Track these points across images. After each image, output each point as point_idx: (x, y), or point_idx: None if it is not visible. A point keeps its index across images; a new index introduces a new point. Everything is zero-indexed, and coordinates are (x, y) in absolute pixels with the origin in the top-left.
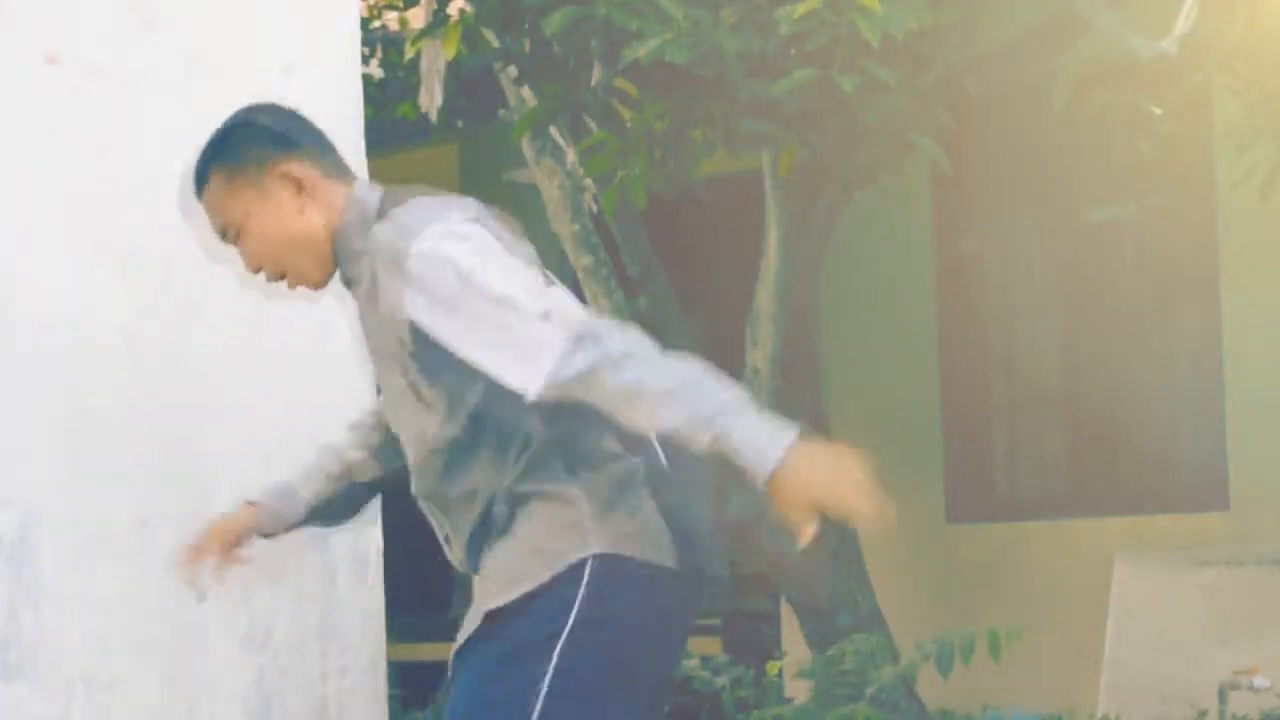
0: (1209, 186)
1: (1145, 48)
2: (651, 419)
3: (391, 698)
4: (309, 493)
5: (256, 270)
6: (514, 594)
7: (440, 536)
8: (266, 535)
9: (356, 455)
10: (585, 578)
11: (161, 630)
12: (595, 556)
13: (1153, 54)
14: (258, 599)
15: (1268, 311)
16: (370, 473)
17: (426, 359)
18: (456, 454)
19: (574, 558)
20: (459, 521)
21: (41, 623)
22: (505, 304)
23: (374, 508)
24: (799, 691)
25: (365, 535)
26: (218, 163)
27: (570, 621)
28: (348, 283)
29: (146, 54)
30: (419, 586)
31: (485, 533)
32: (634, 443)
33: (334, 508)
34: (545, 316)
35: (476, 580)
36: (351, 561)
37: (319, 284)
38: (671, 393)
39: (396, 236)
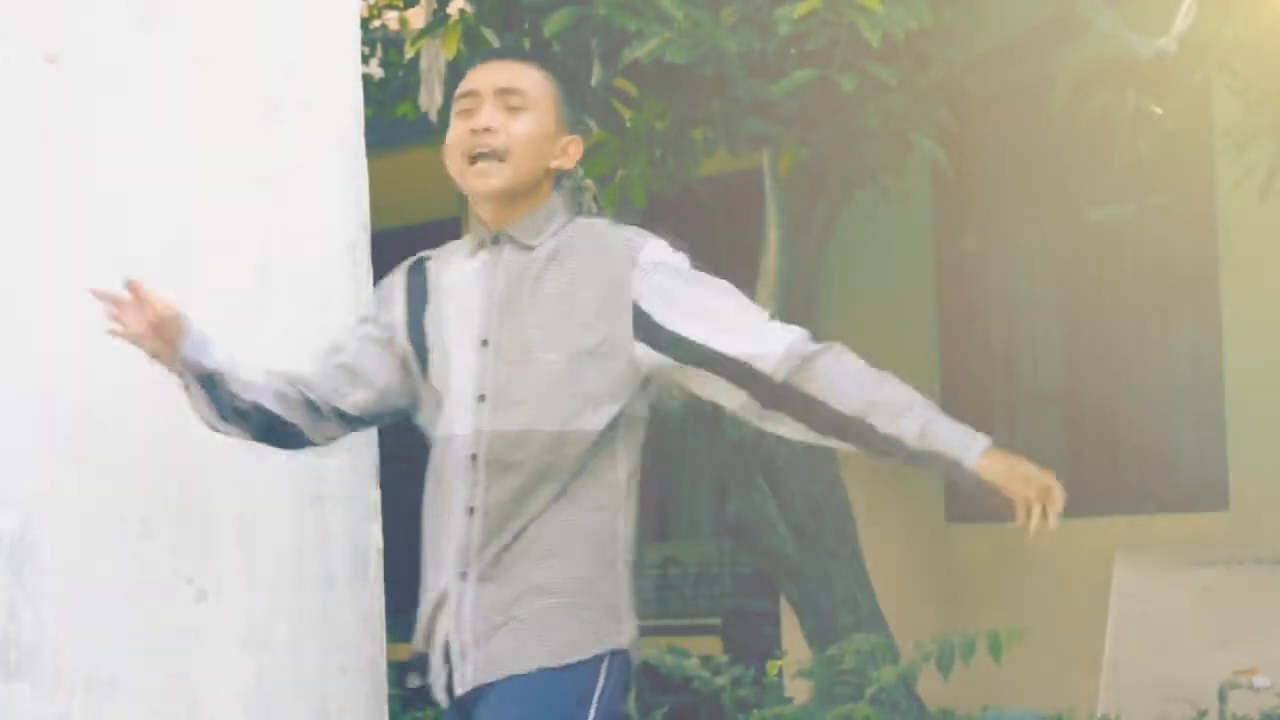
0: (1209, 186)
1: (1145, 47)
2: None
3: (391, 697)
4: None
5: (486, 129)
6: (565, 660)
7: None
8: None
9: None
10: (605, 671)
11: (161, 630)
12: (618, 652)
13: (1152, 53)
14: (257, 598)
15: (1268, 311)
16: (276, 405)
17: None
18: (598, 449)
19: (612, 644)
20: (529, 527)
21: (41, 622)
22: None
23: (374, 505)
24: (799, 691)
25: (365, 534)
26: (552, 73)
27: (591, 715)
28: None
29: (146, 54)
30: (419, 586)
31: (526, 549)
32: None
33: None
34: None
35: (492, 600)
36: (351, 560)
37: (500, 195)
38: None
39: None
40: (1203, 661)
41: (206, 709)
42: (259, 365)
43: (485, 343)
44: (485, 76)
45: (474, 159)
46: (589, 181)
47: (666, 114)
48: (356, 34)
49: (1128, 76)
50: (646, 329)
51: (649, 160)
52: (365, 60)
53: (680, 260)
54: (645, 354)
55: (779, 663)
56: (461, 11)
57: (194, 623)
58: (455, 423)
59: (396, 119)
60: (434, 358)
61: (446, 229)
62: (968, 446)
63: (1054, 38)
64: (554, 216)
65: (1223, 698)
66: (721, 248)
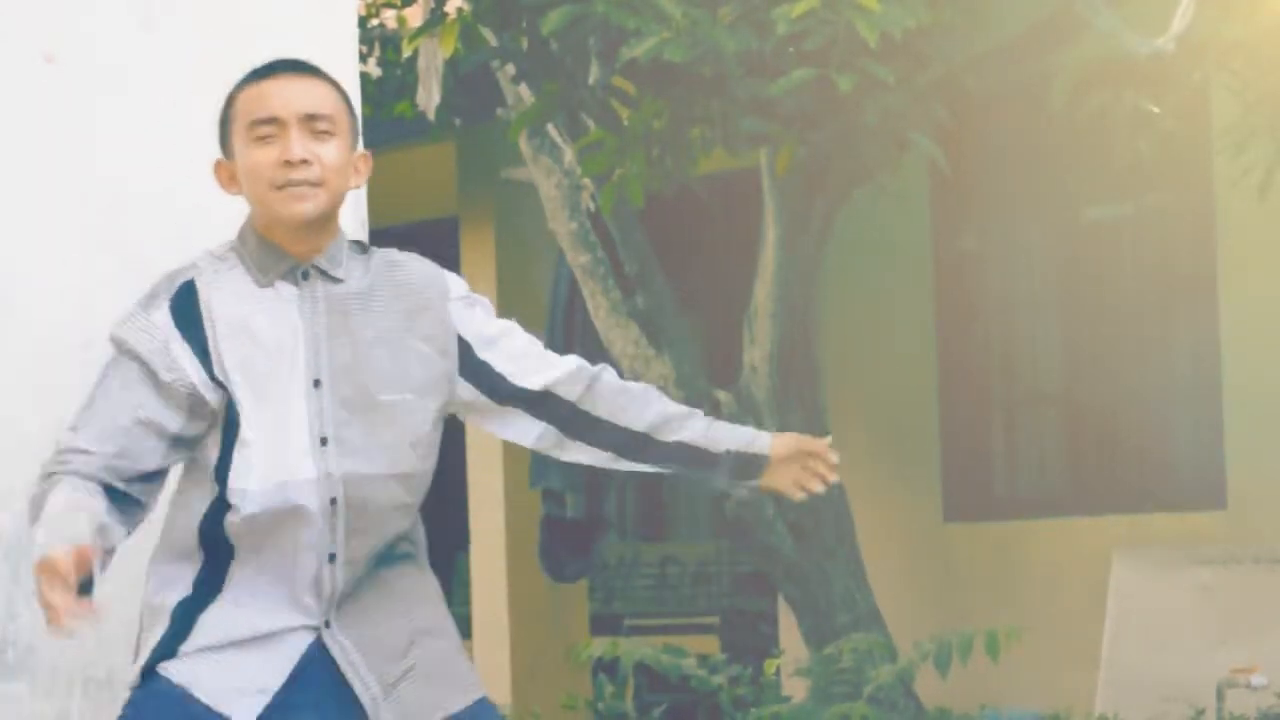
0: (1207, 185)
1: (1143, 46)
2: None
3: None
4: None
5: (302, 160)
6: (477, 695)
7: (329, 581)
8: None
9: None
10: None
11: None
12: None
13: (1151, 53)
14: None
15: (1266, 310)
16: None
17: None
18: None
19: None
20: (383, 572)
21: (40, 622)
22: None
23: None
24: (797, 690)
25: None
26: (339, 91)
27: None
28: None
29: (146, 53)
30: None
31: (391, 595)
32: None
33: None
34: None
35: (379, 650)
36: None
37: (314, 223)
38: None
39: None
40: (1200, 660)
41: None
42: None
43: (317, 383)
44: (287, 101)
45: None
46: (587, 180)
47: (664, 113)
48: (354, 32)
49: (1126, 76)
50: (469, 364)
51: (647, 159)
52: (363, 59)
53: (478, 294)
54: (464, 389)
55: (776, 662)
56: (459, 10)
57: None
58: (290, 468)
59: (394, 118)
60: (243, 398)
61: (445, 227)
62: (756, 436)
63: (1052, 37)
64: (343, 246)
65: (1220, 696)
66: (719, 247)
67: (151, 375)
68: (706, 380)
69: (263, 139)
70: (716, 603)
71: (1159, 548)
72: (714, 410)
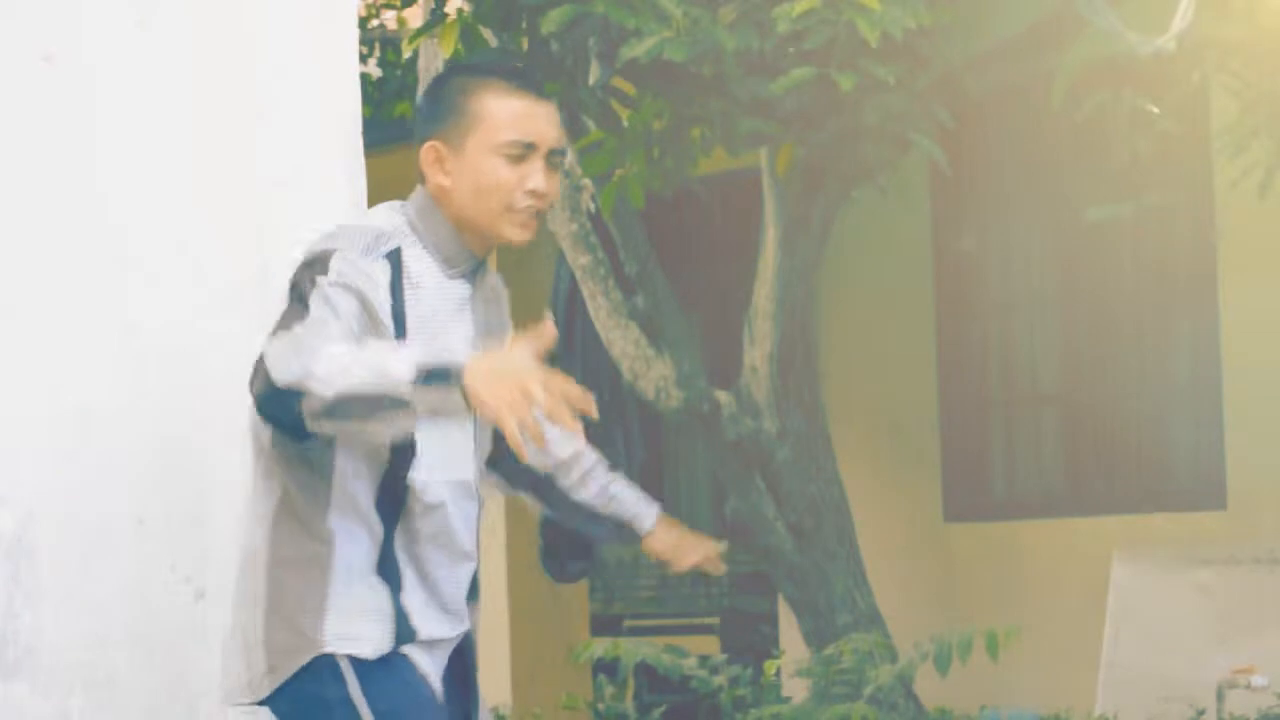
0: (1207, 185)
1: (1143, 46)
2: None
3: None
4: None
5: (544, 196)
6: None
7: (453, 577)
8: None
9: None
10: None
11: (159, 629)
12: None
13: (1150, 53)
14: None
15: (1265, 310)
16: None
17: None
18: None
19: None
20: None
21: (40, 622)
22: None
23: None
24: (797, 690)
25: None
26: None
27: None
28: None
29: (145, 54)
30: None
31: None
32: None
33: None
34: None
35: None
36: None
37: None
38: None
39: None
40: (1200, 661)
41: (204, 708)
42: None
43: None
44: (545, 131)
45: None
46: (587, 181)
47: (665, 113)
48: (354, 33)
49: (1126, 76)
50: None
51: (647, 159)
52: (363, 60)
53: None
54: None
55: (777, 662)
56: (459, 10)
57: (192, 622)
58: (458, 465)
59: (394, 118)
60: None
61: None
62: (638, 516)
63: (1052, 37)
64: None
65: (1220, 697)
66: (719, 247)
67: (370, 313)
68: (706, 380)
69: (513, 158)
70: (716, 603)
71: (1159, 548)
72: (714, 410)
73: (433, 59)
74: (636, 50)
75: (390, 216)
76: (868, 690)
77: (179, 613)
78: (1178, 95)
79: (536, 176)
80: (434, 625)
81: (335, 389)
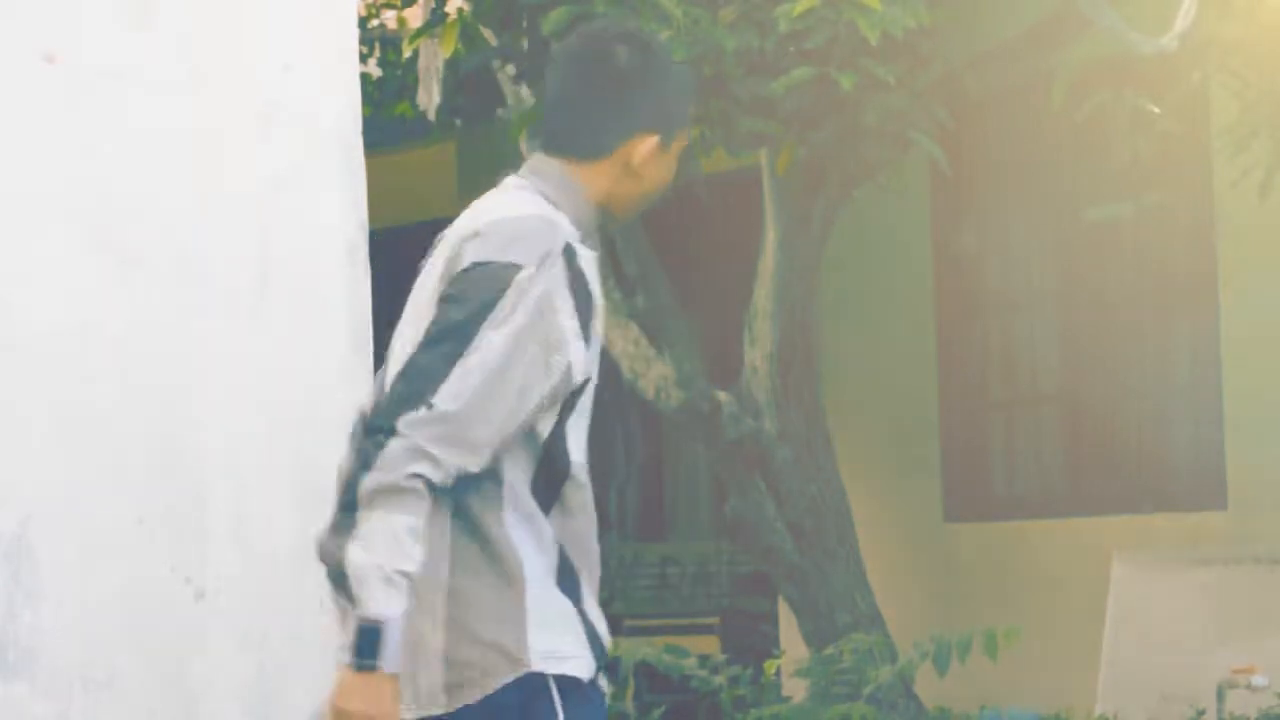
0: (1207, 185)
1: (1144, 45)
2: None
3: None
4: None
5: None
6: None
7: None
8: None
9: None
10: None
11: (159, 629)
12: None
13: (1151, 52)
14: (255, 597)
15: (1265, 310)
16: None
17: None
18: None
19: None
20: None
21: (40, 622)
22: None
23: None
24: (797, 690)
25: None
26: None
27: None
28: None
29: (146, 53)
30: None
31: None
32: None
33: None
34: None
35: None
36: None
37: None
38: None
39: None
40: (1201, 660)
41: (204, 708)
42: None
43: None
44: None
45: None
46: None
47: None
48: (354, 33)
49: (1126, 75)
50: None
51: None
52: (363, 59)
53: None
54: None
55: (777, 662)
56: (459, 10)
57: (192, 622)
58: (584, 447)
59: (394, 118)
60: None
61: (444, 229)
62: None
63: (1052, 37)
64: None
65: (1221, 697)
66: (720, 247)
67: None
68: (706, 380)
69: (675, 156)
70: (716, 603)
71: (1159, 548)
72: (715, 410)
73: (433, 59)
74: None
75: (538, 202)
76: (868, 690)
77: (179, 613)
78: (1178, 95)
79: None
80: (607, 635)
81: (356, 550)
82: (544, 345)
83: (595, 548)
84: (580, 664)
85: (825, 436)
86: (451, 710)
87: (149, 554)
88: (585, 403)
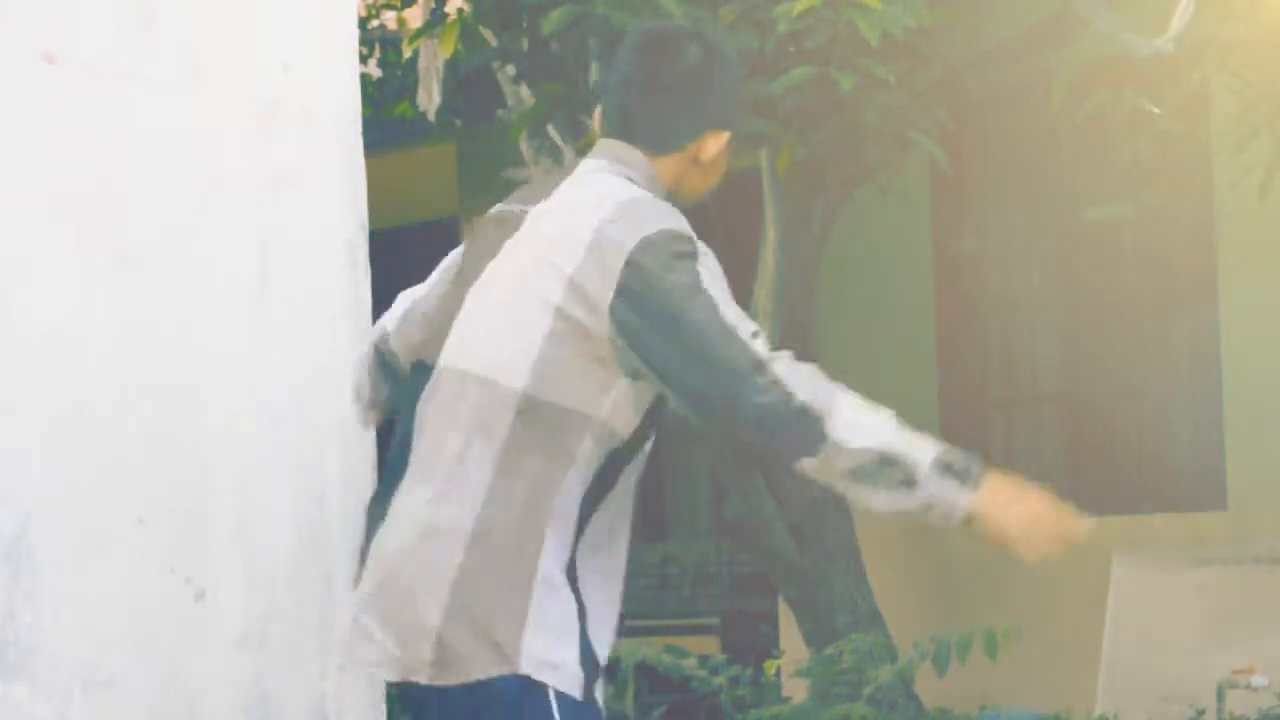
0: (1207, 185)
1: (1143, 46)
2: None
3: (390, 697)
4: None
5: None
6: None
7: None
8: None
9: None
10: None
11: (159, 629)
12: None
13: (1150, 52)
14: (255, 597)
15: (1265, 310)
16: None
17: None
18: None
19: None
20: None
21: (40, 622)
22: None
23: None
24: (797, 690)
25: (364, 533)
26: None
27: None
28: None
29: (145, 53)
30: None
31: None
32: None
33: None
34: None
35: None
36: (350, 560)
37: None
38: None
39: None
40: (1200, 661)
41: (204, 709)
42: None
43: None
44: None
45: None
46: None
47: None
48: (354, 34)
49: (1126, 76)
50: None
51: None
52: (363, 60)
53: None
54: None
55: (777, 662)
56: (459, 11)
57: (192, 622)
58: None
59: (394, 118)
60: None
61: (445, 229)
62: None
63: (1052, 37)
64: None
65: (1220, 697)
66: (719, 247)
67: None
68: None
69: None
70: (716, 603)
71: (1159, 548)
72: None
73: (433, 59)
74: None
75: (634, 188)
76: (868, 690)
77: (179, 613)
78: (1178, 95)
79: None
80: (606, 652)
81: (860, 443)
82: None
83: (624, 554)
84: (568, 677)
85: None
86: (434, 684)
87: (149, 554)
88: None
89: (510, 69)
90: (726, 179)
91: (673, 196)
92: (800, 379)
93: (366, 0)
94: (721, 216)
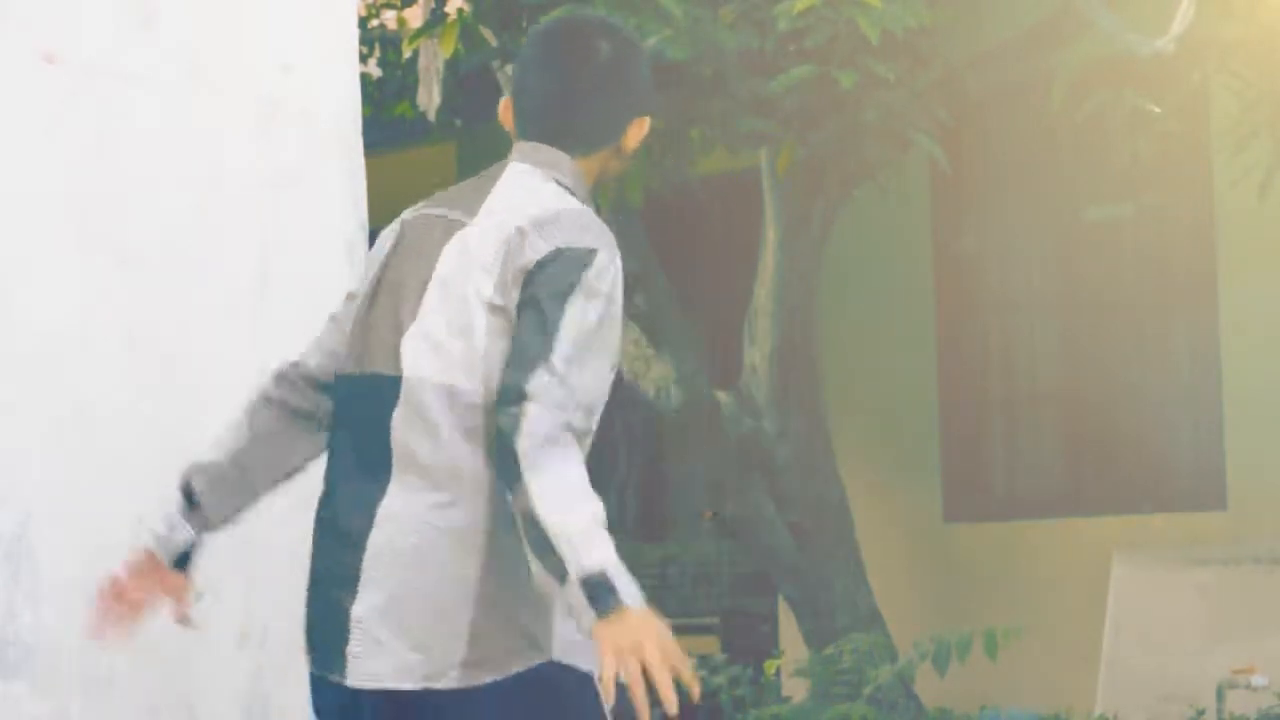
0: (1207, 185)
1: (1143, 46)
2: None
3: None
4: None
5: None
6: None
7: None
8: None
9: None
10: None
11: (159, 629)
12: None
13: (1150, 52)
14: (255, 597)
15: (1265, 310)
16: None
17: None
18: None
19: None
20: None
21: (39, 621)
22: None
23: None
24: (796, 690)
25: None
26: None
27: None
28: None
29: (145, 53)
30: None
31: None
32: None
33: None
34: None
35: None
36: None
37: None
38: None
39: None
40: (1200, 661)
41: (204, 708)
42: None
43: None
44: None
45: None
46: None
47: (665, 112)
48: (354, 33)
49: (1126, 76)
50: None
51: (647, 158)
52: (363, 60)
53: None
54: None
55: (776, 662)
56: (459, 10)
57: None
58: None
59: (394, 118)
60: None
61: None
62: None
63: (1052, 37)
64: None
65: (1220, 697)
66: (720, 247)
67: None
68: (706, 380)
69: None
70: (716, 603)
71: (1159, 548)
72: (714, 410)
73: (433, 59)
74: None
75: (565, 195)
76: (867, 690)
77: None
78: (1178, 95)
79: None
80: None
81: (545, 511)
82: (615, 326)
83: None
84: (589, 659)
85: (825, 436)
86: (461, 688)
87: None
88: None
89: (510, 69)
90: (726, 179)
91: (595, 185)
92: (546, 435)
93: (366, 0)
94: (722, 216)
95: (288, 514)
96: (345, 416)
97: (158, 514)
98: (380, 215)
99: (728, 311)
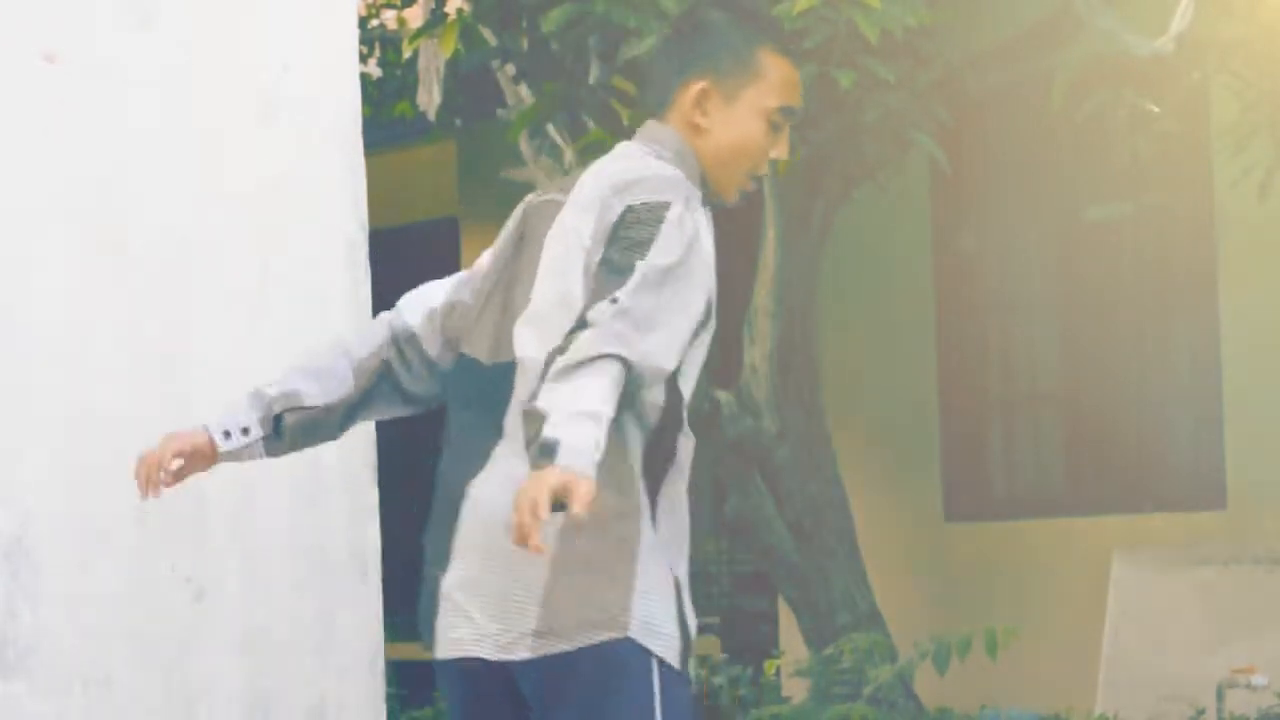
0: (1206, 185)
1: (1143, 46)
2: None
3: (390, 696)
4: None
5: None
6: None
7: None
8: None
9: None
10: None
11: (159, 629)
12: None
13: (1150, 53)
14: (255, 598)
15: (1265, 310)
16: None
17: None
18: None
19: None
20: None
21: (39, 621)
22: None
23: (372, 506)
24: (797, 690)
25: (364, 534)
26: None
27: None
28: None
29: (146, 53)
30: (416, 585)
31: None
32: None
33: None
34: None
35: None
36: (350, 559)
37: None
38: None
39: None
40: (1200, 660)
41: (204, 708)
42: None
43: None
44: (800, 102)
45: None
46: None
47: None
48: (354, 33)
49: (1125, 76)
50: None
51: None
52: (363, 59)
53: None
54: None
55: (777, 662)
56: (459, 10)
57: (192, 622)
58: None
59: (394, 118)
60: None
61: (444, 228)
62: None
63: (1052, 37)
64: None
65: (1220, 696)
66: (719, 246)
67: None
68: (706, 380)
69: (774, 125)
70: (716, 603)
71: (1159, 547)
72: (714, 410)
73: (433, 59)
74: (636, 49)
75: (663, 165)
76: (868, 690)
77: (178, 613)
78: (1177, 95)
79: (783, 146)
80: (694, 624)
81: (542, 404)
82: (694, 273)
83: (687, 519)
84: (669, 644)
85: (825, 436)
86: (533, 658)
87: (149, 554)
88: (706, 341)
89: (510, 69)
90: None
91: (713, 171)
92: (585, 355)
93: (366, 0)
94: (722, 216)
95: (288, 514)
96: (466, 399)
97: (159, 514)
98: (380, 214)
99: (728, 311)
